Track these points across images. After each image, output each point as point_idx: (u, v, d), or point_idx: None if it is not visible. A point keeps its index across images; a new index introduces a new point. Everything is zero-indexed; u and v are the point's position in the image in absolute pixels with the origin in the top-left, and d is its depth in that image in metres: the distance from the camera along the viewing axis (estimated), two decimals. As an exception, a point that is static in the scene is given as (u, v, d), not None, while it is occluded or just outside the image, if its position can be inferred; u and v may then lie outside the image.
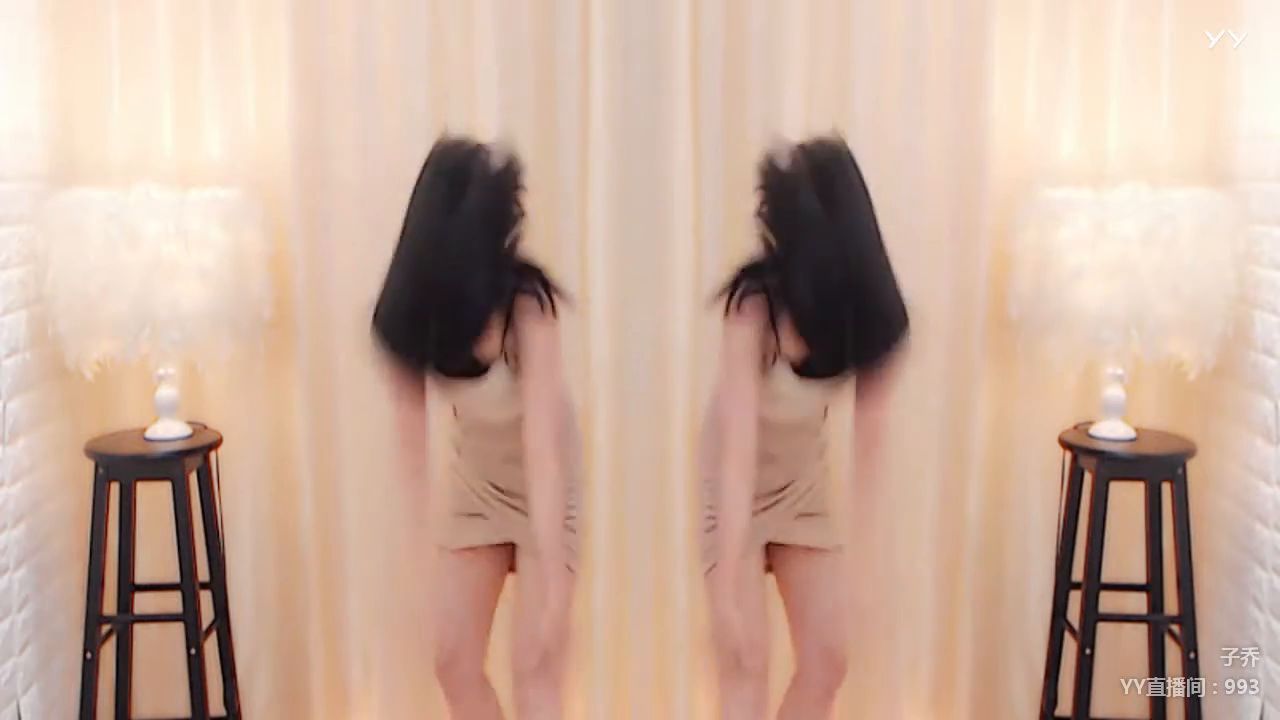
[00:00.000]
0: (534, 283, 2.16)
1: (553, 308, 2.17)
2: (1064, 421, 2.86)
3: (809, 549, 2.36)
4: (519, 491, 2.30)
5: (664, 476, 2.88)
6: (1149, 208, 2.57)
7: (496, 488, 2.35)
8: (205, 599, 2.77)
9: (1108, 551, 2.70)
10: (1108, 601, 2.75)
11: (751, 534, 2.27)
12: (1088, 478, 2.73)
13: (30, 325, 2.64)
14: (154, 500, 2.77)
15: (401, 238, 2.10)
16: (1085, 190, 2.68)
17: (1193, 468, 2.66)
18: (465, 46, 2.76)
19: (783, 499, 2.36)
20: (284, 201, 2.79)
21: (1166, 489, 2.70)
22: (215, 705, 2.79)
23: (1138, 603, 2.87)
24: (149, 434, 2.71)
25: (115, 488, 2.71)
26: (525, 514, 2.26)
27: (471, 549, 2.36)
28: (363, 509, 2.93)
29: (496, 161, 2.09)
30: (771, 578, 2.44)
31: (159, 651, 2.93)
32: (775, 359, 2.20)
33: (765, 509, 2.33)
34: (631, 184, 2.82)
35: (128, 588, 2.81)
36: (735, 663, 2.28)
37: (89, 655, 2.63)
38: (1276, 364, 2.55)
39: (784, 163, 2.08)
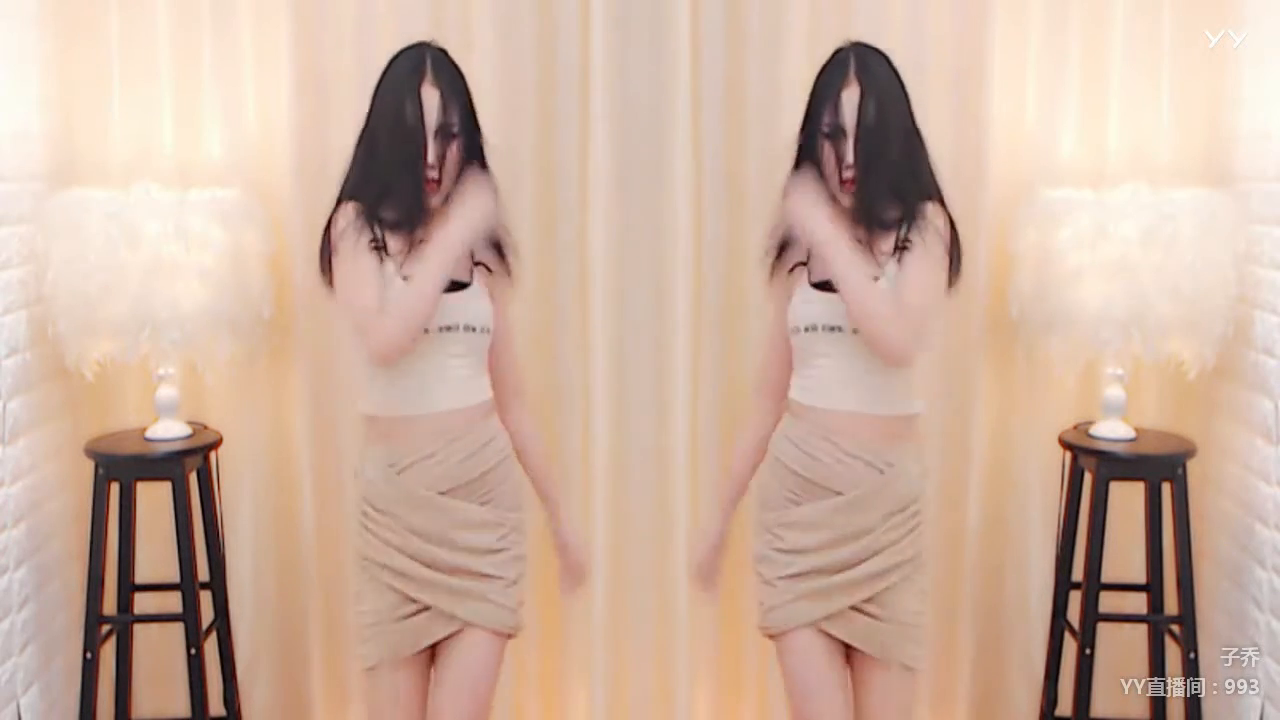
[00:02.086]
0: None
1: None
2: (1064, 421, 2.86)
3: (872, 658, 2.12)
4: (468, 560, 2.12)
5: (665, 477, 2.88)
6: (1149, 208, 2.58)
7: (432, 565, 2.11)
8: (205, 599, 2.77)
9: (1108, 551, 2.70)
10: (1108, 601, 2.75)
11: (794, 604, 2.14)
12: (1088, 478, 2.73)
13: (30, 325, 2.64)
14: (154, 500, 2.77)
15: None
16: (1085, 190, 2.68)
17: (1193, 468, 2.66)
18: (465, 47, 2.76)
19: (834, 567, 2.12)
20: (284, 201, 2.79)
21: (1166, 489, 2.70)
22: (215, 705, 2.79)
23: (1138, 603, 2.87)
24: (149, 434, 2.71)
25: (115, 488, 2.70)
26: (476, 579, 2.13)
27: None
28: (363, 509, 2.94)
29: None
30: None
31: (159, 651, 2.93)
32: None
33: (804, 575, 2.14)
34: (631, 181, 2.82)
35: (128, 588, 2.81)
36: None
37: (89, 655, 2.63)
38: (1276, 364, 2.55)
39: None
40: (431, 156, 2.08)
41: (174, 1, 2.78)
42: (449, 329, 2.13)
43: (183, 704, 2.76)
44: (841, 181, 2.11)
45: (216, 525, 2.82)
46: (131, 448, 2.68)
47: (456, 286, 2.14)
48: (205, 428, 2.81)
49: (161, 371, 2.72)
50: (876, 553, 2.13)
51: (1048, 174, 2.79)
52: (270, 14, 2.79)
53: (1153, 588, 2.83)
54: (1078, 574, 2.77)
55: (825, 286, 2.13)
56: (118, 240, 2.53)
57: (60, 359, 2.64)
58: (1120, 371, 2.72)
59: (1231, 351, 2.67)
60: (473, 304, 2.16)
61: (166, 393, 2.72)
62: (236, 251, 2.65)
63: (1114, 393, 2.72)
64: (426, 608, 2.12)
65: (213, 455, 2.80)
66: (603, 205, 2.80)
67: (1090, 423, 2.80)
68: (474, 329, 2.16)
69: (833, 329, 2.13)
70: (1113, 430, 2.71)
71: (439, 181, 2.11)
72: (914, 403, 2.20)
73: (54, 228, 2.57)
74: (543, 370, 2.90)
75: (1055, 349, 2.66)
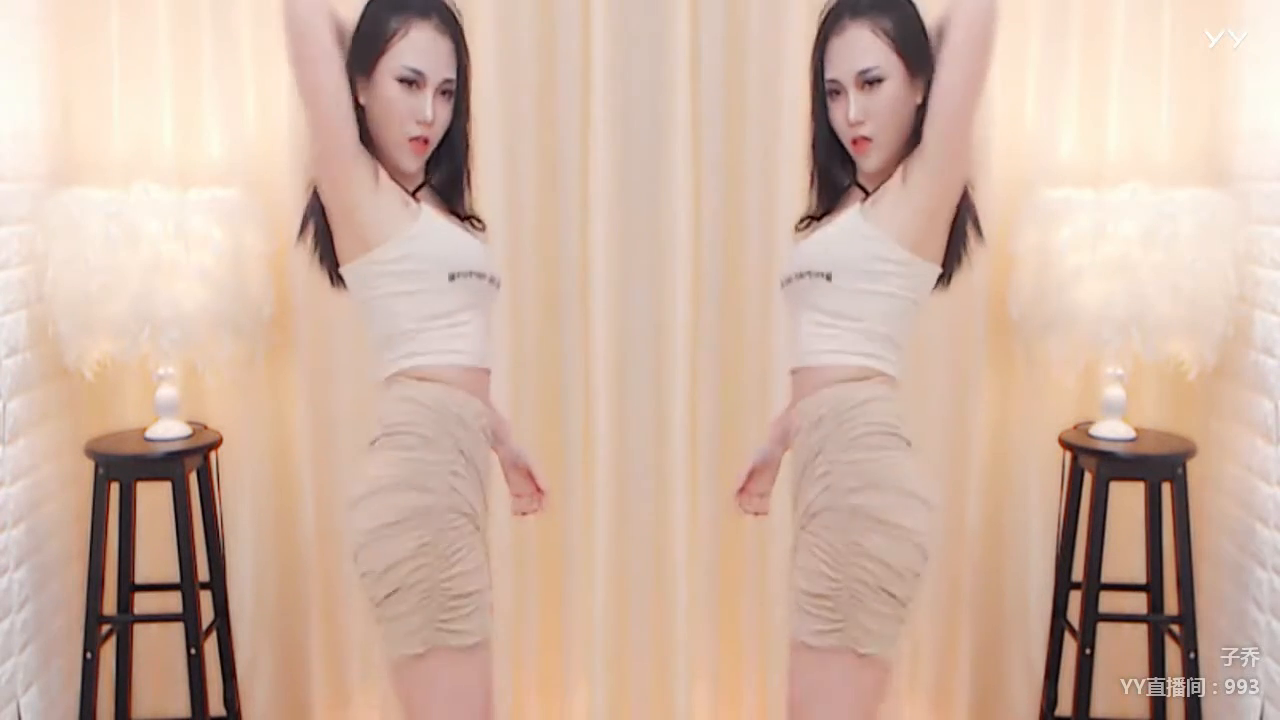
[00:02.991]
0: None
1: None
2: (1064, 421, 2.86)
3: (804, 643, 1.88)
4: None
5: (664, 477, 2.88)
6: (1149, 208, 2.58)
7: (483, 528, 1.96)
8: (205, 599, 2.77)
9: (1108, 551, 2.70)
10: (1108, 601, 2.75)
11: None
12: (1088, 478, 2.73)
13: (30, 325, 2.64)
14: (154, 500, 2.77)
15: None
16: (1085, 190, 2.68)
17: (1193, 468, 2.66)
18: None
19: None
20: (284, 201, 2.78)
21: (1166, 489, 2.70)
22: (215, 705, 2.79)
23: (1138, 603, 2.87)
24: (149, 434, 2.71)
25: (115, 488, 2.70)
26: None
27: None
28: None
29: None
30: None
31: (159, 651, 2.93)
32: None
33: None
34: (631, 181, 2.83)
35: (128, 588, 2.81)
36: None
37: (89, 655, 2.63)
38: (1276, 364, 2.55)
39: None
40: (429, 112, 1.93)
41: (174, 1, 2.78)
42: (493, 280, 2.02)
43: (183, 704, 2.76)
44: (853, 142, 1.96)
45: (216, 525, 2.82)
46: (131, 448, 2.67)
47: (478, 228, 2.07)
48: (205, 428, 2.81)
49: (161, 371, 2.72)
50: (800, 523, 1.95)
51: (1048, 174, 2.79)
52: (270, 14, 2.75)
53: (1153, 588, 2.83)
54: (1078, 574, 2.77)
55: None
56: (118, 240, 2.53)
57: (60, 359, 2.63)
58: (1120, 371, 2.72)
59: (1231, 351, 2.67)
60: (491, 255, 2.07)
61: (166, 393, 2.72)
62: (236, 251, 2.65)
63: (1114, 393, 2.72)
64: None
65: (213, 455, 2.80)
66: (603, 205, 2.80)
67: (1090, 423, 2.79)
68: (498, 284, 2.06)
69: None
70: (1113, 430, 2.71)
71: (426, 142, 1.96)
72: (851, 355, 1.95)
73: (54, 228, 2.57)
74: (543, 370, 2.90)
75: (1055, 349, 2.66)
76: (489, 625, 1.90)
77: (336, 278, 2.04)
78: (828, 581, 1.84)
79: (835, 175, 2.04)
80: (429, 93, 1.92)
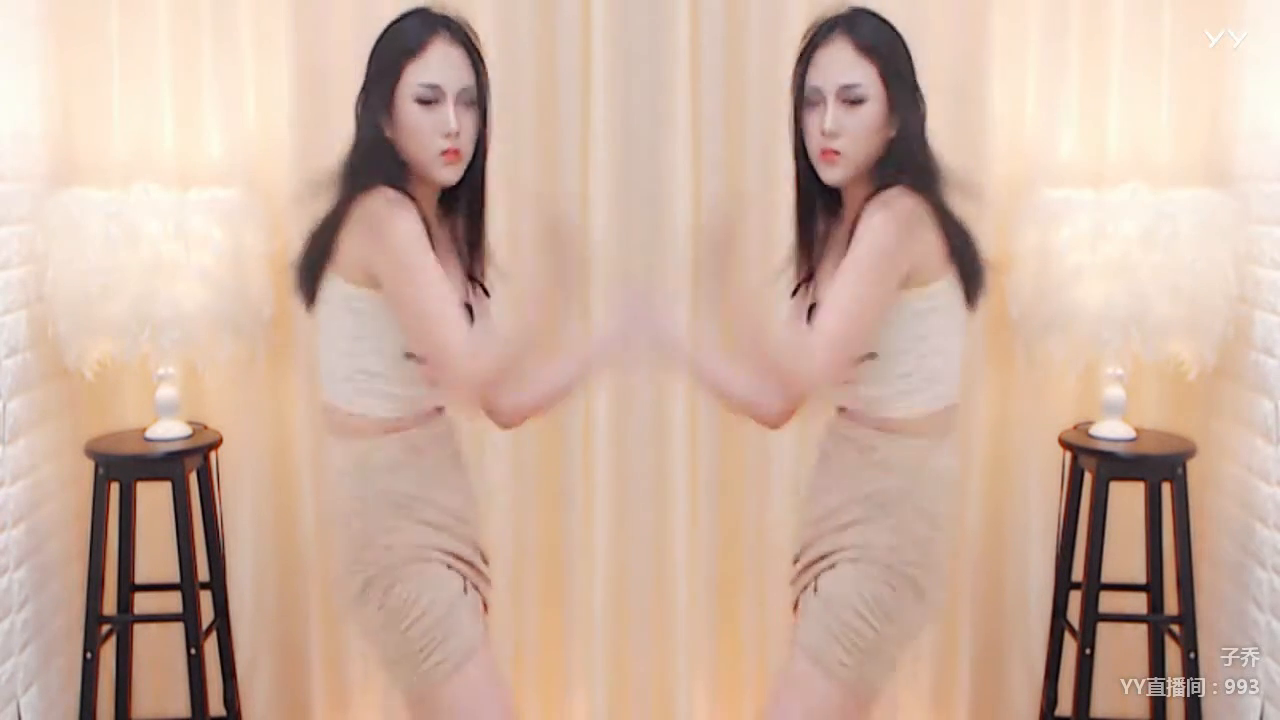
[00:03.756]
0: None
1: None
2: (1064, 421, 2.86)
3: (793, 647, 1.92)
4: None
5: (664, 477, 2.88)
6: (1149, 208, 2.58)
7: (474, 547, 2.02)
8: (205, 599, 2.77)
9: (1108, 551, 2.70)
10: (1108, 601, 2.75)
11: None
12: (1088, 478, 2.73)
13: (30, 325, 2.64)
14: (154, 500, 2.77)
15: None
16: (1085, 190, 2.68)
17: (1193, 468, 2.66)
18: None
19: (808, 551, 1.98)
20: (284, 201, 2.79)
21: (1166, 489, 2.70)
22: (215, 705, 2.79)
23: (1138, 603, 2.87)
24: (149, 434, 2.71)
25: (115, 488, 2.71)
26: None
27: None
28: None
29: None
30: None
31: (159, 651, 2.93)
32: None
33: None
34: (632, 182, 2.83)
35: (128, 588, 2.81)
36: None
37: (89, 655, 2.63)
38: (1276, 364, 2.55)
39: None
40: (452, 121, 1.90)
41: (174, 1, 2.78)
42: None
43: (183, 704, 2.76)
44: (821, 153, 1.89)
45: (216, 525, 2.82)
46: (131, 448, 2.68)
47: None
48: (205, 428, 2.81)
49: (161, 371, 2.72)
50: (818, 537, 1.96)
51: (1048, 174, 2.78)
52: (270, 13, 2.79)
53: (1153, 588, 2.83)
54: (1078, 574, 2.77)
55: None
56: (118, 240, 2.53)
57: (60, 359, 2.64)
58: (1120, 371, 2.72)
59: (1231, 351, 2.67)
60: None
61: (166, 393, 2.72)
62: (236, 251, 2.65)
63: (1114, 393, 2.72)
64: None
65: (213, 455, 2.80)
66: (603, 205, 2.80)
67: (1090, 423, 2.79)
68: None
69: None
70: (1113, 430, 2.71)
71: (457, 152, 1.92)
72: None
73: (54, 228, 2.57)
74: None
75: (1055, 349, 2.66)
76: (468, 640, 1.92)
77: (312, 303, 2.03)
78: (855, 614, 1.89)
79: (813, 223, 2.01)
80: (449, 103, 1.90)
